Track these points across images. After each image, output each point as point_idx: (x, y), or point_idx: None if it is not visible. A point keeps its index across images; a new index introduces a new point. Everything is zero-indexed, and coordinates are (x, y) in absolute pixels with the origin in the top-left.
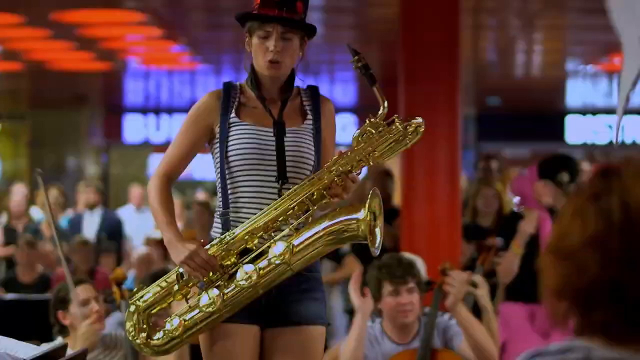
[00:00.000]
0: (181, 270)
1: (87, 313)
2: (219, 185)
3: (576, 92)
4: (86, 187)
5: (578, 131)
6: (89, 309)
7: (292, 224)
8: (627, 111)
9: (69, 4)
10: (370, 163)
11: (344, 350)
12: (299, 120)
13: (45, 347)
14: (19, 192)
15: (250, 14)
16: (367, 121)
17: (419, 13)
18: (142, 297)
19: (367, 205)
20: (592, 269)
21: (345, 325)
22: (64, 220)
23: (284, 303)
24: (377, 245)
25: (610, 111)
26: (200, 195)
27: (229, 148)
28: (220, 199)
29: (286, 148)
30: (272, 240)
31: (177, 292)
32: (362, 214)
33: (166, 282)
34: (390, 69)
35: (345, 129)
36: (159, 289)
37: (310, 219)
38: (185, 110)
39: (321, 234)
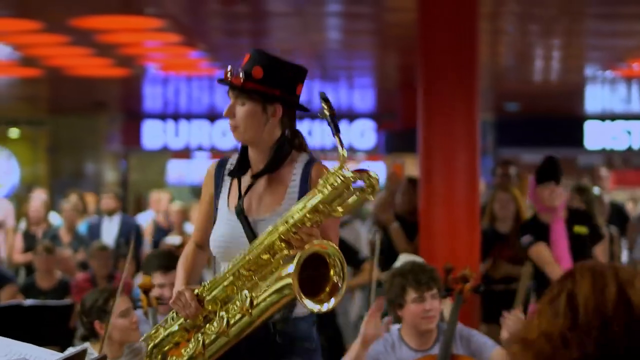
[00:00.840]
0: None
1: (126, 324)
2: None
3: (595, 97)
4: (106, 194)
5: (597, 137)
6: (129, 320)
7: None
8: None
9: (87, 10)
10: (323, 215)
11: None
12: (279, 195)
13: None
14: (37, 198)
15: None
16: (328, 171)
17: (437, 18)
18: (152, 337)
19: (296, 260)
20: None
21: None
22: (82, 226)
23: None
24: (309, 306)
25: (629, 117)
26: None
27: (211, 234)
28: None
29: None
30: (240, 292)
31: (176, 333)
32: (292, 268)
33: (167, 323)
34: (408, 74)
35: (364, 134)
36: (163, 330)
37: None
38: (203, 116)
39: (271, 289)
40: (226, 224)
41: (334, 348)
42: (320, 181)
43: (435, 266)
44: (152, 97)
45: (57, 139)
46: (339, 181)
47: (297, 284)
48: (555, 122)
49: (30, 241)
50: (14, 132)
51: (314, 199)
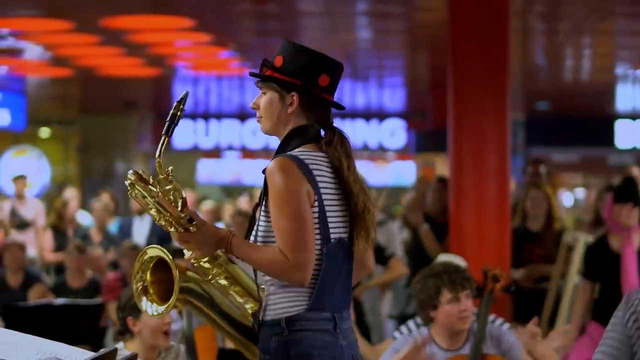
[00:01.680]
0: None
1: (158, 324)
2: None
3: (626, 96)
4: None
5: (628, 136)
6: (161, 321)
7: None
8: None
9: (118, 10)
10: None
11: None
12: None
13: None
14: (73, 197)
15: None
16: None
17: (467, 17)
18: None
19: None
20: None
21: (392, 330)
22: (113, 225)
23: None
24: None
25: None
26: (244, 200)
27: None
28: None
29: None
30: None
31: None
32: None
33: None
34: (439, 73)
35: (394, 134)
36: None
37: None
38: (234, 115)
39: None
40: None
41: None
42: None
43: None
44: None
45: (88, 139)
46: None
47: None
48: (586, 121)
49: (61, 240)
50: (45, 132)
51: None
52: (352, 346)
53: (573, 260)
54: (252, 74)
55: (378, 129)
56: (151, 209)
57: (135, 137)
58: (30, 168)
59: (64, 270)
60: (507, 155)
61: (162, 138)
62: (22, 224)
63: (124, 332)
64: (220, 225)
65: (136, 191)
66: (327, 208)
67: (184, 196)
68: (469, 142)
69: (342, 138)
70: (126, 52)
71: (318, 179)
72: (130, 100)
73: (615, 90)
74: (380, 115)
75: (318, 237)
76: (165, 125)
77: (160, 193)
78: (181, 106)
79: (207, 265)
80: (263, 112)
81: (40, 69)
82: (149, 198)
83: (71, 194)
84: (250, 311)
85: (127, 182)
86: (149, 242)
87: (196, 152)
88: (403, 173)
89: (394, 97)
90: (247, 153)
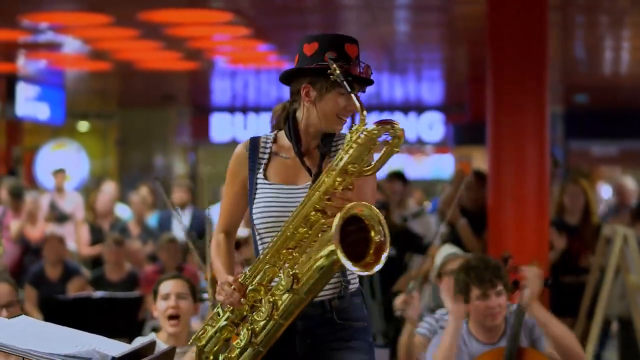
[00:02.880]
0: (219, 310)
1: (162, 308)
2: (254, 239)
3: None
4: (178, 187)
5: None
6: (166, 304)
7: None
8: None
9: (156, 3)
10: (353, 176)
11: (437, 352)
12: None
13: (137, 342)
14: (106, 190)
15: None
16: (348, 131)
17: (506, 10)
18: (200, 337)
19: (335, 224)
20: None
21: None
22: (152, 218)
23: (319, 354)
24: (354, 269)
25: None
26: None
27: (254, 210)
28: (255, 254)
29: None
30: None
31: (224, 328)
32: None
33: (213, 319)
34: (477, 67)
35: (432, 127)
36: (210, 327)
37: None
38: (272, 109)
39: (313, 261)
40: (273, 195)
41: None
42: (345, 141)
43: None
44: (220, 90)
45: (127, 132)
46: (363, 137)
47: (341, 249)
48: (625, 114)
49: (97, 234)
50: (83, 126)
51: (341, 161)
52: None
53: (612, 254)
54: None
55: (416, 122)
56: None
57: (174, 130)
58: (69, 162)
59: (100, 264)
60: (546, 149)
61: (354, 96)
62: (61, 217)
63: (156, 325)
64: None
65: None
66: None
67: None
68: (507, 135)
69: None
70: (164, 46)
71: None
72: (168, 94)
73: None
74: (419, 108)
75: None
76: (345, 86)
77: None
78: (339, 63)
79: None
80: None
81: (79, 62)
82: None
83: (108, 188)
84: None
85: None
86: (189, 236)
87: (235, 146)
88: (441, 166)
89: (432, 90)
90: None
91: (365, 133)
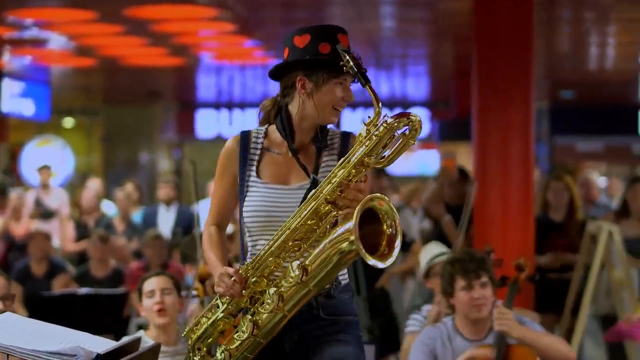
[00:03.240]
0: (218, 302)
1: (149, 305)
2: (241, 234)
3: None
4: (163, 183)
5: None
6: (152, 301)
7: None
8: None
9: (141, 0)
10: (369, 168)
11: None
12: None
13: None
14: (91, 187)
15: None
16: (363, 124)
17: (493, 6)
18: (194, 330)
19: (355, 215)
20: None
21: None
22: (137, 215)
23: (307, 348)
24: (371, 259)
25: None
26: None
27: (245, 207)
28: (241, 250)
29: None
30: (289, 263)
31: (221, 320)
32: (351, 224)
33: (211, 312)
34: (463, 62)
35: None
36: (205, 319)
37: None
38: (257, 105)
39: (326, 252)
40: (265, 194)
41: (388, 336)
42: (361, 133)
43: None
44: (206, 86)
45: (112, 129)
46: (381, 129)
47: (360, 240)
48: (610, 110)
49: (82, 230)
50: (68, 122)
51: (357, 152)
52: None
53: (597, 250)
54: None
55: None
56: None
57: (159, 126)
58: (54, 158)
59: (85, 260)
60: (531, 144)
61: (369, 88)
62: (46, 214)
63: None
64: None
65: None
66: None
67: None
68: (493, 130)
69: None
70: (150, 42)
71: None
72: (154, 90)
73: (639, 79)
74: (404, 104)
75: None
76: (360, 79)
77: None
78: (352, 55)
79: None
80: None
81: (64, 59)
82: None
83: (93, 184)
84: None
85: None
86: (174, 233)
87: (220, 142)
88: (427, 162)
89: (417, 86)
90: None
91: (384, 125)
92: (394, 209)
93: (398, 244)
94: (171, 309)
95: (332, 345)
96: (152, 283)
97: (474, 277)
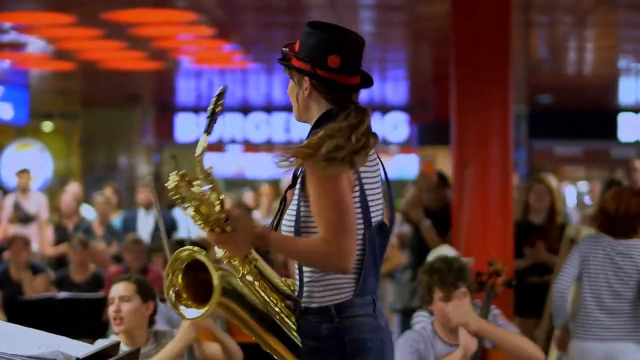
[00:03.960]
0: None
1: (110, 312)
2: None
3: (629, 89)
4: (142, 187)
5: (631, 129)
6: (110, 309)
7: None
8: None
9: (120, 3)
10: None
11: None
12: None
13: (100, 344)
14: (70, 191)
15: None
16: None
17: (470, 10)
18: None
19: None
20: None
21: (398, 323)
22: (117, 219)
23: None
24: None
25: None
26: (249, 194)
27: None
28: None
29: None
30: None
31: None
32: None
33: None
34: (441, 66)
35: (397, 127)
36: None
37: None
38: (236, 109)
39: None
40: None
41: None
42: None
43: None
44: (185, 90)
45: (91, 132)
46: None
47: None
48: (589, 114)
49: (61, 234)
50: (47, 126)
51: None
52: (387, 326)
53: None
54: (279, 61)
55: (381, 123)
56: (189, 209)
57: (138, 130)
58: (33, 162)
59: (64, 264)
60: (510, 148)
61: (203, 136)
62: (25, 218)
63: None
64: None
65: (179, 192)
66: (367, 192)
67: (222, 196)
68: (471, 134)
69: (357, 114)
70: (129, 46)
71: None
72: (133, 94)
73: (618, 83)
74: (383, 108)
75: (360, 221)
76: (206, 123)
77: (201, 194)
78: (219, 102)
79: (236, 262)
80: (291, 97)
81: (43, 62)
82: (191, 200)
83: (72, 188)
84: (277, 304)
85: (170, 185)
86: (153, 237)
87: None
88: (406, 166)
89: (396, 90)
90: (250, 147)
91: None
92: (195, 251)
93: (213, 295)
94: (129, 316)
95: None
96: (113, 290)
97: (452, 289)
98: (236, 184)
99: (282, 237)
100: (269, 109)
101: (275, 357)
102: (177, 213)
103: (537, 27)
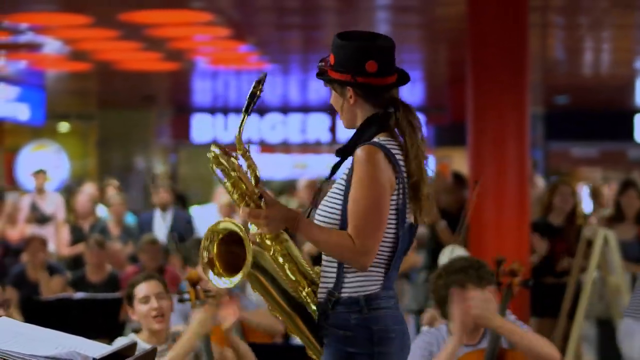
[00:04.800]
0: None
1: (143, 311)
2: None
3: None
4: (158, 187)
5: None
6: (148, 307)
7: None
8: None
9: (137, 4)
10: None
11: None
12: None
13: (119, 342)
14: (85, 191)
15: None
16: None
17: (487, 11)
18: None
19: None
20: None
21: (413, 324)
22: (129, 217)
23: None
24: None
25: None
26: None
27: None
28: None
29: None
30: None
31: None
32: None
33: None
34: (458, 68)
35: None
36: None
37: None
38: (253, 110)
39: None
40: None
41: None
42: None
43: (485, 260)
44: (201, 91)
45: (107, 133)
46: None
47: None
48: (605, 115)
49: (77, 234)
50: (64, 126)
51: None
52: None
53: (592, 255)
54: (317, 75)
55: None
56: (229, 182)
57: (154, 131)
58: (49, 162)
59: (79, 265)
60: (526, 149)
61: (242, 115)
62: (42, 219)
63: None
64: (236, 217)
65: (221, 161)
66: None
67: (258, 173)
68: (488, 136)
69: (407, 111)
70: (145, 47)
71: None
72: (149, 95)
73: (634, 84)
74: None
75: (395, 222)
76: (245, 103)
77: (239, 167)
78: (260, 86)
79: (268, 242)
80: (335, 108)
81: (59, 63)
82: (230, 171)
83: (88, 189)
84: (304, 289)
85: (210, 155)
86: (170, 238)
87: None
88: None
89: (412, 91)
90: (266, 147)
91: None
92: (233, 223)
93: (244, 266)
94: (168, 313)
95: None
96: (146, 288)
97: (486, 284)
98: None
99: (312, 224)
100: (284, 109)
101: (299, 338)
102: (205, 211)
103: (553, 28)
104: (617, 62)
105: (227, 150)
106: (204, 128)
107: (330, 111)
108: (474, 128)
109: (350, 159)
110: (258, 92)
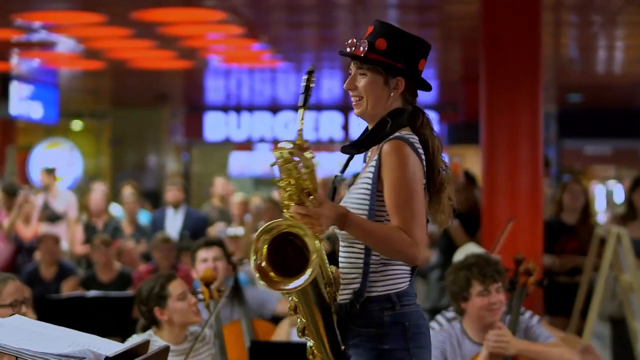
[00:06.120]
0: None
1: (185, 307)
2: None
3: None
4: (171, 185)
5: None
6: (187, 303)
7: None
8: None
9: (150, 2)
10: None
11: None
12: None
13: (133, 340)
14: (98, 190)
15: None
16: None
17: (500, 10)
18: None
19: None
20: None
21: None
22: (142, 216)
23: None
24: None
25: None
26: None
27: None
28: None
29: None
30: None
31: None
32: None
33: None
34: (471, 66)
35: None
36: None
37: None
38: (265, 108)
39: None
40: None
41: None
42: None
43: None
44: (214, 89)
45: (120, 132)
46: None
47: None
48: (618, 113)
49: (90, 233)
50: (77, 125)
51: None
52: None
53: (605, 253)
54: (354, 57)
55: None
56: (293, 178)
57: (167, 130)
58: (62, 161)
59: (93, 263)
60: (539, 148)
61: (301, 111)
62: (53, 217)
63: (150, 325)
64: (247, 216)
65: (290, 161)
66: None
67: (315, 169)
68: (501, 134)
69: (429, 119)
70: (158, 45)
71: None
72: (162, 93)
73: None
74: None
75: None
76: (302, 98)
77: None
78: (312, 78)
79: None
80: (364, 94)
81: (73, 61)
82: (305, 168)
83: (101, 187)
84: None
85: (282, 152)
86: (182, 236)
87: (228, 145)
88: None
89: None
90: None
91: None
92: (296, 227)
93: (308, 265)
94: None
95: (352, 352)
96: (180, 285)
97: (490, 282)
98: (265, 182)
99: (361, 219)
100: (297, 107)
101: (313, 343)
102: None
103: (566, 27)
104: (631, 60)
105: (304, 146)
106: (216, 126)
107: (343, 109)
108: (487, 126)
109: (362, 153)
110: (311, 85)
